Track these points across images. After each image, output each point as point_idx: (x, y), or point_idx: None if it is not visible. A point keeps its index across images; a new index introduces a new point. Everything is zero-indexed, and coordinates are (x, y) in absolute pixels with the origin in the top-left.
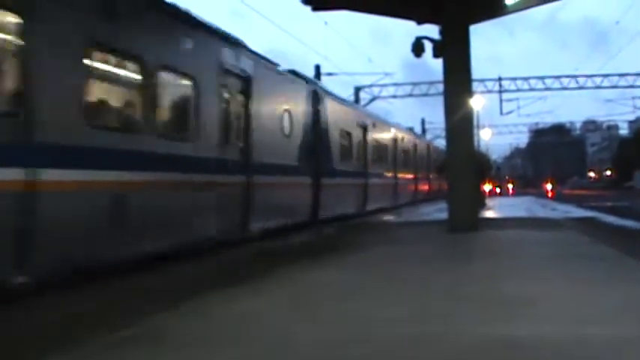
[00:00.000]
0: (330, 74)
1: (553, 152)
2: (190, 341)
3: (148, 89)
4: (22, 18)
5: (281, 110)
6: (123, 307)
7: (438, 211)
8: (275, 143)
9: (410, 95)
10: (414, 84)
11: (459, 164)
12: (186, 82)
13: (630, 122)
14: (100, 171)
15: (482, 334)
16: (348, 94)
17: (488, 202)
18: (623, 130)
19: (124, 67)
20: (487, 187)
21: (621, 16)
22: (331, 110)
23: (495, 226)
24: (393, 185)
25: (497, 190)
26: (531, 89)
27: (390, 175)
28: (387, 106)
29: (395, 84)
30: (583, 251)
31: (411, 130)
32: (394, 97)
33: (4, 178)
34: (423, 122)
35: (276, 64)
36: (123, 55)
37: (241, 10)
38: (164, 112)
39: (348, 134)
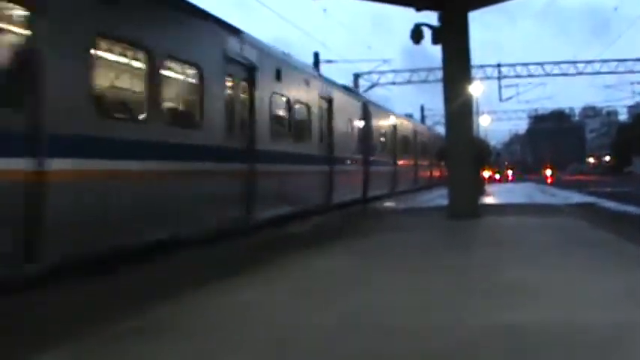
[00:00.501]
0: (329, 61)
1: (552, 138)
2: (193, 332)
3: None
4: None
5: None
6: (125, 299)
7: (439, 197)
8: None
9: (409, 82)
10: (413, 71)
11: (459, 151)
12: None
13: (629, 107)
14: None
15: (484, 321)
16: (347, 80)
17: (488, 188)
18: (623, 116)
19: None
20: (486, 174)
21: (620, 2)
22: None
23: (495, 212)
24: (415, 171)
25: (497, 176)
26: (530, 75)
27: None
28: (386, 93)
29: (393, 71)
30: (583, 237)
31: (410, 116)
32: (393, 83)
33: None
34: (422, 109)
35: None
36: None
37: (245, 0)
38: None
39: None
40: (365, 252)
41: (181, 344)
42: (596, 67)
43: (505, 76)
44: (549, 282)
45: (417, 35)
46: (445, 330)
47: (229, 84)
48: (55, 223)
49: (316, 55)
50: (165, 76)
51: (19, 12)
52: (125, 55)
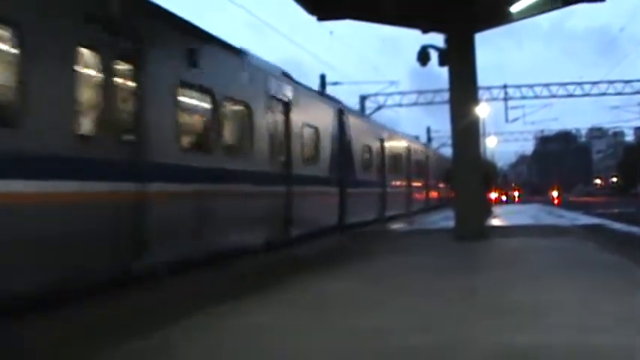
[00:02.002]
0: (335, 83)
1: (559, 159)
2: (199, 354)
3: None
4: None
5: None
6: (134, 319)
7: (444, 219)
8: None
9: (415, 104)
10: (420, 92)
11: (465, 172)
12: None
13: (636, 129)
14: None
15: (492, 343)
16: (353, 102)
17: (495, 209)
18: (629, 137)
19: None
20: (493, 195)
21: (626, 23)
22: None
23: (502, 234)
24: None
25: (504, 197)
26: (537, 97)
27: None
28: (393, 115)
29: (400, 92)
30: (591, 259)
31: (417, 138)
32: (400, 105)
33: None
34: (428, 130)
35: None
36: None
37: (255, 22)
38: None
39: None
40: (373, 275)
41: None
42: (603, 88)
43: (511, 98)
44: (555, 304)
45: (423, 57)
46: (451, 351)
47: (271, 118)
48: (155, 231)
49: (322, 78)
50: (224, 113)
51: (127, 66)
52: (197, 99)
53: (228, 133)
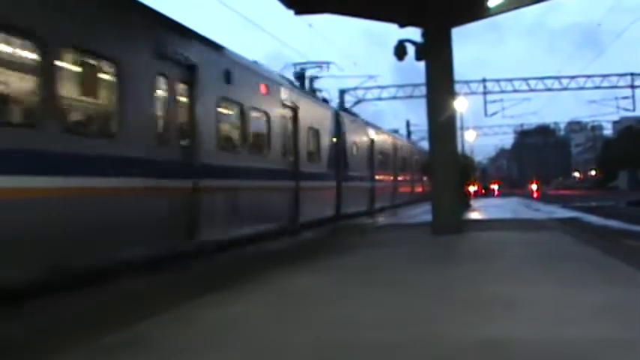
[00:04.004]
0: (315, 77)
1: (538, 153)
2: (175, 348)
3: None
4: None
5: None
6: (110, 313)
7: (426, 213)
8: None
9: (394, 98)
10: (399, 86)
11: (443, 166)
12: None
13: (614, 123)
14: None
15: (464, 336)
16: (332, 96)
17: (474, 203)
18: (608, 131)
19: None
20: (472, 189)
21: (603, 18)
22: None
23: (480, 227)
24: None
25: (483, 191)
26: (515, 91)
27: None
28: (373, 109)
29: (379, 86)
30: (566, 252)
31: (396, 132)
32: (379, 99)
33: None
34: (407, 124)
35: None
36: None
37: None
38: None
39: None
40: (347, 268)
41: (170, 357)
42: (581, 82)
43: (490, 92)
44: (529, 297)
45: (400, 51)
46: (424, 344)
47: (284, 123)
48: (204, 217)
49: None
50: (250, 121)
51: (184, 87)
52: (231, 110)
53: (254, 138)
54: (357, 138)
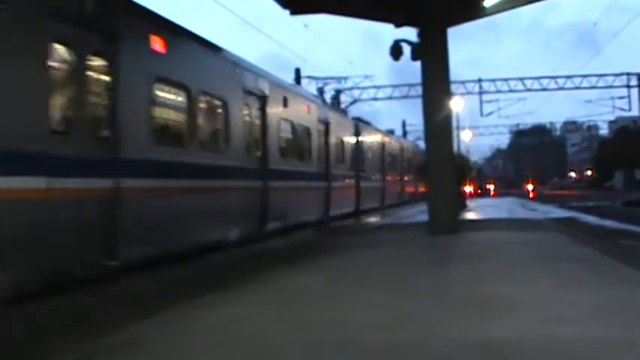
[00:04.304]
0: (310, 77)
1: (534, 153)
2: (170, 349)
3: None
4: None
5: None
6: (105, 314)
7: (421, 213)
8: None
9: (390, 98)
10: (394, 86)
11: (439, 166)
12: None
13: (610, 122)
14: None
15: (462, 336)
16: (328, 96)
17: (470, 203)
18: (604, 131)
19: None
20: (468, 189)
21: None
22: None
23: (476, 227)
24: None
25: (479, 191)
26: (511, 90)
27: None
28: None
29: (375, 86)
30: (563, 252)
31: (392, 132)
32: (375, 99)
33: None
34: (403, 124)
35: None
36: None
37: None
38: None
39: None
40: (344, 268)
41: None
42: (577, 81)
43: (486, 92)
44: (526, 297)
45: (396, 51)
46: (421, 345)
47: (319, 134)
48: (271, 209)
49: (297, 71)
50: (301, 136)
51: (258, 113)
52: (287, 127)
53: (300, 147)
54: (371, 143)
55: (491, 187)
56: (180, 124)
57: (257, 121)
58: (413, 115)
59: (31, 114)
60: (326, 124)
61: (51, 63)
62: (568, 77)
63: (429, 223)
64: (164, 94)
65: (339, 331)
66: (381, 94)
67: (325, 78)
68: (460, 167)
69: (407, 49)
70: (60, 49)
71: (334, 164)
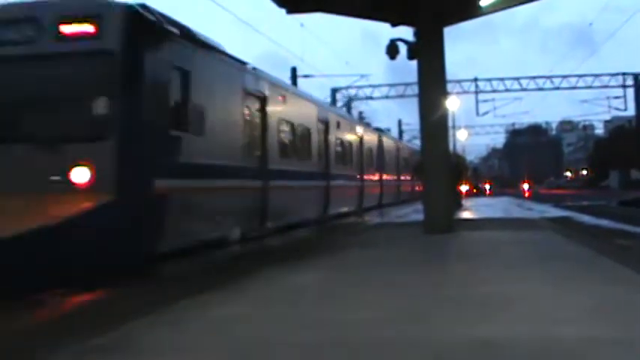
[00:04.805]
0: (306, 76)
1: (529, 152)
2: (164, 349)
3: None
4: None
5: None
6: (97, 313)
7: (416, 212)
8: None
9: (386, 97)
10: (390, 85)
11: (435, 166)
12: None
13: (606, 122)
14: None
15: (458, 335)
16: (324, 95)
17: (466, 202)
18: (599, 130)
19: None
20: (464, 188)
21: (595, 18)
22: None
23: (471, 226)
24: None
25: (475, 190)
26: (507, 90)
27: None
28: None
29: (371, 85)
30: (558, 251)
31: (388, 131)
32: (371, 98)
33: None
34: (399, 123)
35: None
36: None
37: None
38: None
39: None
40: (339, 267)
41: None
42: (572, 81)
43: (482, 91)
44: (522, 296)
45: (392, 51)
46: (417, 344)
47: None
48: (332, 199)
49: (294, 70)
50: (342, 145)
51: (324, 132)
52: (340, 141)
53: (349, 155)
54: (391, 149)
55: (487, 186)
56: (288, 145)
57: (324, 140)
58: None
59: (236, 145)
60: (361, 137)
61: (245, 112)
62: (564, 77)
63: (424, 222)
64: (282, 127)
65: (332, 330)
66: (377, 93)
67: (347, 87)
68: (456, 166)
69: (403, 49)
70: (247, 110)
71: (368, 168)
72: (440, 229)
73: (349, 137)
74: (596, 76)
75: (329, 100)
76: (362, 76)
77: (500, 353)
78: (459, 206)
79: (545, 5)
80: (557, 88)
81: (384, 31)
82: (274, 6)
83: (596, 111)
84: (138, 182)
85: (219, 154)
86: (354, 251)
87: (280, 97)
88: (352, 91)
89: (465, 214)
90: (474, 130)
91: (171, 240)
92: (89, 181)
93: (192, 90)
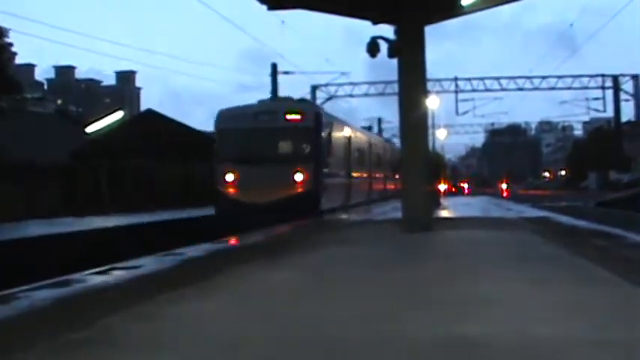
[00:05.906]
0: (286, 73)
1: (508, 152)
2: (141, 344)
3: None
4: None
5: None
6: (75, 308)
7: (395, 210)
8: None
9: (366, 95)
10: (370, 83)
11: (413, 164)
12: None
13: (585, 123)
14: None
15: (434, 334)
16: (304, 92)
17: (444, 201)
18: (578, 131)
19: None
20: (443, 187)
21: (576, 18)
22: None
23: (449, 225)
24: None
25: (453, 189)
26: (487, 90)
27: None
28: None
29: (351, 83)
30: (535, 252)
31: (370, 129)
32: (351, 96)
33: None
34: (379, 121)
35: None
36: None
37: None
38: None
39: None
40: (315, 265)
41: (129, 356)
42: (552, 82)
43: (462, 90)
44: (498, 296)
45: (373, 48)
46: (392, 342)
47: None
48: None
49: (274, 67)
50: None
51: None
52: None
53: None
54: (394, 156)
55: (466, 185)
56: (357, 159)
57: (369, 154)
58: (389, 112)
59: (342, 161)
60: (385, 150)
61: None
62: (544, 78)
63: (402, 221)
64: (355, 149)
65: (311, 328)
66: (357, 90)
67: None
68: (435, 165)
69: (384, 47)
70: (346, 142)
71: (387, 172)
72: (418, 228)
73: (379, 151)
74: (576, 77)
75: (309, 96)
76: (342, 73)
77: (476, 352)
78: (438, 205)
79: (528, 6)
80: (537, 89)
81: (365, 29)
82: (257, 3)
83: (575, 112)
84: (318, 182)
85: (337, 166)
86: (332, 249)
87: (356, 134)
88: (332, 89)
89: (444, 213)
90: (453, 130)
91: (325, 205)
92: (302, 180)
93: (332, 138)
